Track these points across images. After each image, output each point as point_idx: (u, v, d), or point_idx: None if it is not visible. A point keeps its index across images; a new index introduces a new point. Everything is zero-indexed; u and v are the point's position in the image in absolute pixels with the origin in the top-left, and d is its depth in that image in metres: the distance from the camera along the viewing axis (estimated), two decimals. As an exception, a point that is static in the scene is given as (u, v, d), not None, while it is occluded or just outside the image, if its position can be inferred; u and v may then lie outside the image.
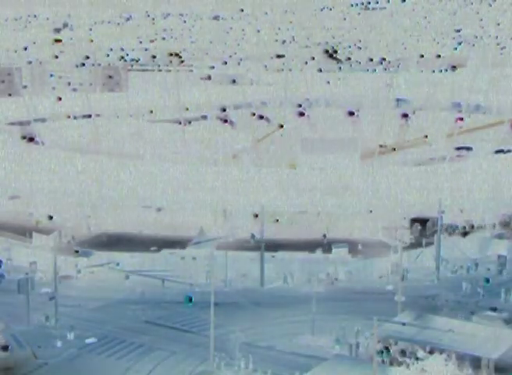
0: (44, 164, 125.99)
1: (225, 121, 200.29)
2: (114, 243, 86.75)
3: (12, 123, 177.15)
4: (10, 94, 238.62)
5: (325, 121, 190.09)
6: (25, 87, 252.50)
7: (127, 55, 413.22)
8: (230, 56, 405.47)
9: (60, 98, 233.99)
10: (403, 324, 58.02)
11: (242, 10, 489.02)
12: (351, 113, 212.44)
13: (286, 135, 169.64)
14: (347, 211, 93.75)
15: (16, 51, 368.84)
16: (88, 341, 61.23)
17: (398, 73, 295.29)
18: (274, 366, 56.12)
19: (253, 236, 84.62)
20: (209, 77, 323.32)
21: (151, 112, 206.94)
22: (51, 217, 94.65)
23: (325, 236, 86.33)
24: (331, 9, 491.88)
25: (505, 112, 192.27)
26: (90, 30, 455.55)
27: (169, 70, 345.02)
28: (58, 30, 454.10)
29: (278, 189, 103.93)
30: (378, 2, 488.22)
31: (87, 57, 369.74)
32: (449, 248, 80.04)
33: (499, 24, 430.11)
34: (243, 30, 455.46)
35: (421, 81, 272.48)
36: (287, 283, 75.73)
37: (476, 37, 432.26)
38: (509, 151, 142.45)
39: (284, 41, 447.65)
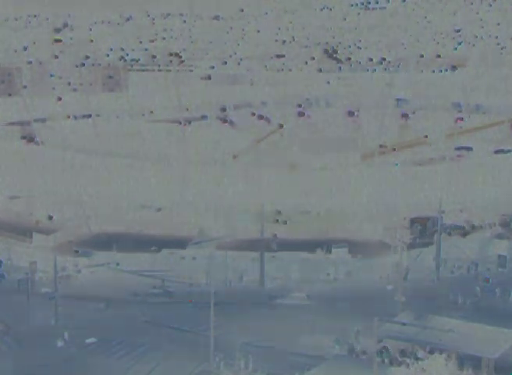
0: (44, 164, 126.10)
1: (225, 121, 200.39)
2: (114, 243, 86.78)
3: (12, 123, 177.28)
4: (10, 94, 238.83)
5: (325, 121, 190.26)
6: (25, 87, 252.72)
7: (127, 55, 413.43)
8: (230, 56, 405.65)
9: (60, 98, 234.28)
10: (403, 324, 57.98)
11: (242, 10, 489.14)
12: (351, 113, 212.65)
13: (286, 135, 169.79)
14: (347, 211, 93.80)
15: (15, 51, 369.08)
16: (88, 341, 61.22)
17: (398, 73, 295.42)
18: (274, 366, 56.13)
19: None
20: (209, 77, 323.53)
21: (151, 112, 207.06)
22: (51, 217, 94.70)
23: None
24: (331, 9, 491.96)
25: (505, 112, 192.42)
26: (90, 30, 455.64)
27: (169, 70, 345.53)
28: (58, 30, 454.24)
29: (278, 189, 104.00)
30: (378, 2, 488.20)
31: (87, 57, 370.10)
32: (449, 248, 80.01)
33: (499, 24, 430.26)
34: (243, 30, 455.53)
35: (421, 81, 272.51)
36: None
37: (476, 37, 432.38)
38: (509, 151, 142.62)
39: (284, 41, 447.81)
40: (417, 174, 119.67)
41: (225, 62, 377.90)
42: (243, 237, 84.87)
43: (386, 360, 55.98)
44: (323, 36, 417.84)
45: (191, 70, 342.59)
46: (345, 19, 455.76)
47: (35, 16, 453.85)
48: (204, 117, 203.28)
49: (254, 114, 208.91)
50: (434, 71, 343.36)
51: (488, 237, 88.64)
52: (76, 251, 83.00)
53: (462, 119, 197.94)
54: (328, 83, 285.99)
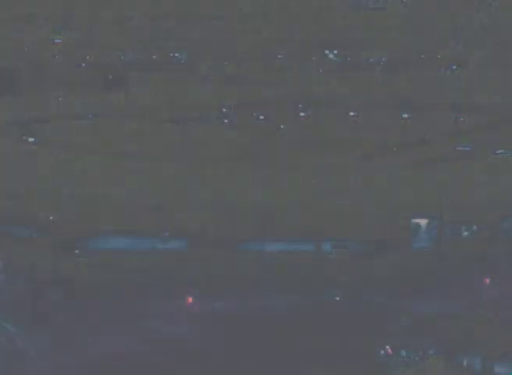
0: (44, 164, 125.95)
1: (225, 121, 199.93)
2: (114, 243, 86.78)
3: (12, 123, 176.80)
4: (10, 95, 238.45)
5: (325, 121, 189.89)
6: (25, 87, 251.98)
7: (127, 55, 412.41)
8: (230, 56, 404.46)
9: (60, 98, 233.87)
10: (403, 323, 58.01)
11: (242, 10, 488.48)
12: (351, 113, 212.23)
13: (286, 135, 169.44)
14: (348, 211, 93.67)
15: (16, 52, 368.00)
16: (88, 341, 61.17)
17: (398, 73, 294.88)
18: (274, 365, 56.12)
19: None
20: (209, 77, 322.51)
21: (151, 112, 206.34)
22: (51, 217, 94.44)
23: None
24: (331, 9, 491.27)
25: (505, 113, 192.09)
26: (90, 30, 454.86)
27: (169, 70, 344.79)
28: (58, 30, 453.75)
29: (278, 189, 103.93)
30: (376, 2, 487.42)
31: (87, 57, 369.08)
32: (449, 248, 79.81)
33: (498, 24, 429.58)
34: (242, 30, 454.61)
35: (421, 81, 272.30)
36: None
37: (476, 37, 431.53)
38: (509, 151, 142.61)
39: (284, 41, 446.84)
40: (417, 174, 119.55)
41: (225, 62, 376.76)
42: (243, 236, 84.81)
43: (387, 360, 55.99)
44: (323, 36, 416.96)
45: (191, 70, 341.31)
46: (345, 19, 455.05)
47: (35, 16, 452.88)
48: (203, 117, 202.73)
49: (253, 114, 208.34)
50: (434, 71, 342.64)
51: (488, 237, 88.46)
52: (77, 251, 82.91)
53: (462, 119, 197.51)
54: (328, 83, 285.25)
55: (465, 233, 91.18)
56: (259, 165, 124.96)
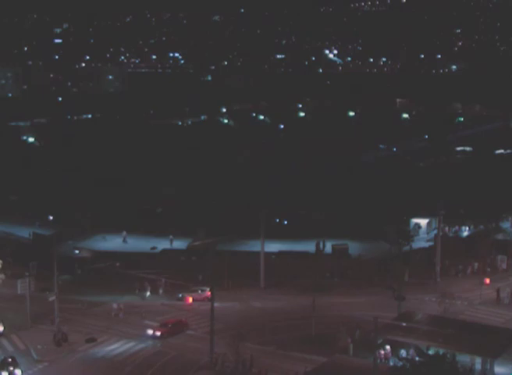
0: (44, 164, 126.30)
1: (226, 121, 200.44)
2: (114, 243, 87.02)
3: (13, 123, 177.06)
4: (10, 95, 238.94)
5: (324, 121, 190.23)
6: (25, 87, 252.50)
7: (127, 55, 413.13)
8: (230, 56, 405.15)
9: (61, 99, 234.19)
10: (404, 324, 58.00)
11: (242, 10, 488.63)
12: (351, 113, 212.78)
13: (286, 135, 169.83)
14: (348, 211, 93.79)
15: (16, 51, 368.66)
16: (88, 341, 61.30)
17: (398, 74, 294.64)
18: (274, 365, 56.28)
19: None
20: (209, 78, 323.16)
21: (151, 112, 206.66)
22: (51, 217, 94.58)
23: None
24: (331, 9, 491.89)
25: (505, 112, 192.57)
26: (90, 30, 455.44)
27: (169, 70, 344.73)
28: (58, 31, 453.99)
29: (278, 189, 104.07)
30: (378, 2, 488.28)
31: (87, 57, 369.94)
32: (449, 248, 79.86)
33: (499, 24, 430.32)
34: (242, 30, 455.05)
35: (421, 81, 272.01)
36: None
37: (476, 37, 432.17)
38: (509, 151, 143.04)
39: (284, 41, 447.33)
40: (417, 174, 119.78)
41: (226, 62, 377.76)
42: (243, 236, 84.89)
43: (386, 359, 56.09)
44: (323, 36, 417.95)
45: (191, 71, 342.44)
46: (345, 19, 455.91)
47: (35, 16, 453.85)
48: (204, 117, 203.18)
49: (254, 114, 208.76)
50: (434, 71, 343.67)
51: (487, 237, 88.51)
52: (76, 252, 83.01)
53: (462, 119, 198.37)
54: (328, 83, 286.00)
55: (465, 233, 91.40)
56: (259, 164, 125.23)
